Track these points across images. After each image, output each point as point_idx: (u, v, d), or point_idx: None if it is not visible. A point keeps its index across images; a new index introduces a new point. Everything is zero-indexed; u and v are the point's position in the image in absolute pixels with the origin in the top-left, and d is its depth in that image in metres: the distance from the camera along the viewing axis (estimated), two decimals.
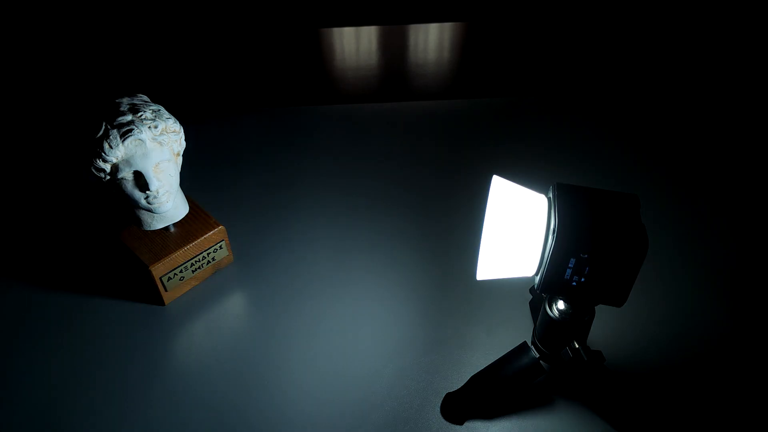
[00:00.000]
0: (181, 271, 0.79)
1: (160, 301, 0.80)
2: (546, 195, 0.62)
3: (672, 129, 1.11)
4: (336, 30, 1.47)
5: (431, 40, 1.44)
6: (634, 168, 1.02)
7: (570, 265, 0.58)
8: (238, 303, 0.82)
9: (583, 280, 0.59)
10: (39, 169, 1.03)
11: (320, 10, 1.56)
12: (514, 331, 0.75)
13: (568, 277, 0.59)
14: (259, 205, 0.96)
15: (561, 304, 0.65)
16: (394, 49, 1.42)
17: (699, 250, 0.87)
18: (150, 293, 0.80)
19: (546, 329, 0.66)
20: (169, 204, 0.76)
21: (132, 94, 0.74)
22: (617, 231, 0.57)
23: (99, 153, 0.69)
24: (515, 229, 0.60)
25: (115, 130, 0.69)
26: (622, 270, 0.58)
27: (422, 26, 1.47)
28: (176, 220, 0.80)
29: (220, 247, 0.83)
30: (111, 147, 0.69)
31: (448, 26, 1.47)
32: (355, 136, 1.10)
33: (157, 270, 0.77)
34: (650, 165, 1.02)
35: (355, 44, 1.44)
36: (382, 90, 1.28)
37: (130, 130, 0.69)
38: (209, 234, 0.81)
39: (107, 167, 0.71)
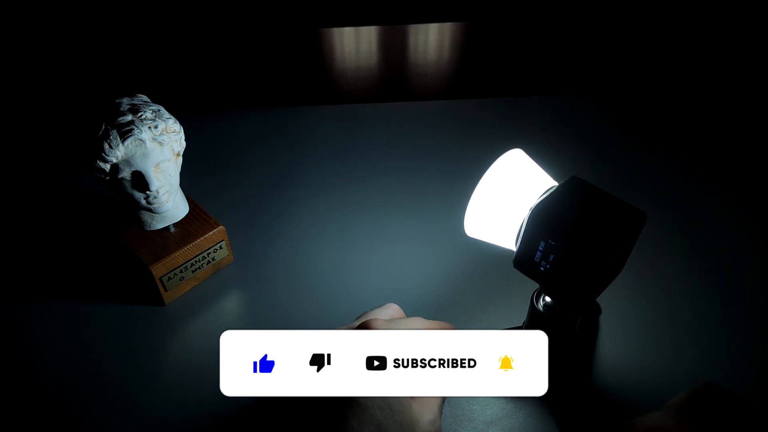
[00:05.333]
0: (181, 272, 0.79)
1: (160, 302, 0.80)
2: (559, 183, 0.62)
3: (681, 128, 1.11)
4: (336, 30, 1.47)
5: (431, 40, 1.44)
6: (641, 170, 1.02)
7: (540, 248, 0.58)
8: (238, 303, 0.82)
9: (548, 267, 0.58)
10: (38, 169, 1.03)
11: (320, 10, 1.56)
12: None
13: (537, 260, 0.59)
14: (259, 205, 0.96)
15: (547, 298, 0.65)
16: (394, 49, 1.42)
17: (702, 250, 0.87)
18: (150, 293, 0.80)
19: (531, 321, 0.68)
20: (169, 204, 0.76)
21: (132, 94, 0.74)
22: (593, 234, 0.57)
23: (99, 153, 0.69)
24: (511, 197, 0.60)
25: (115, 131, 0.69)
26: (582, 272, 0.57)
27: (422, 26, 1.47)
28: (176, 220, 0.80)
29: (220, 247, 0.83)
30: (111, 147, 0.69)
31: (448, 26, 1.47)
32: (355, 136, 1.10)
33: (157, 270, 0.77)
34: (657, 164, 1.02)
35: (355, 44, 1.44)
36: (382, 90, 1.28)
37: (130, 131, 0.69)
38: (209, 234, 0.81)
39: (107, 167, 0.71)
